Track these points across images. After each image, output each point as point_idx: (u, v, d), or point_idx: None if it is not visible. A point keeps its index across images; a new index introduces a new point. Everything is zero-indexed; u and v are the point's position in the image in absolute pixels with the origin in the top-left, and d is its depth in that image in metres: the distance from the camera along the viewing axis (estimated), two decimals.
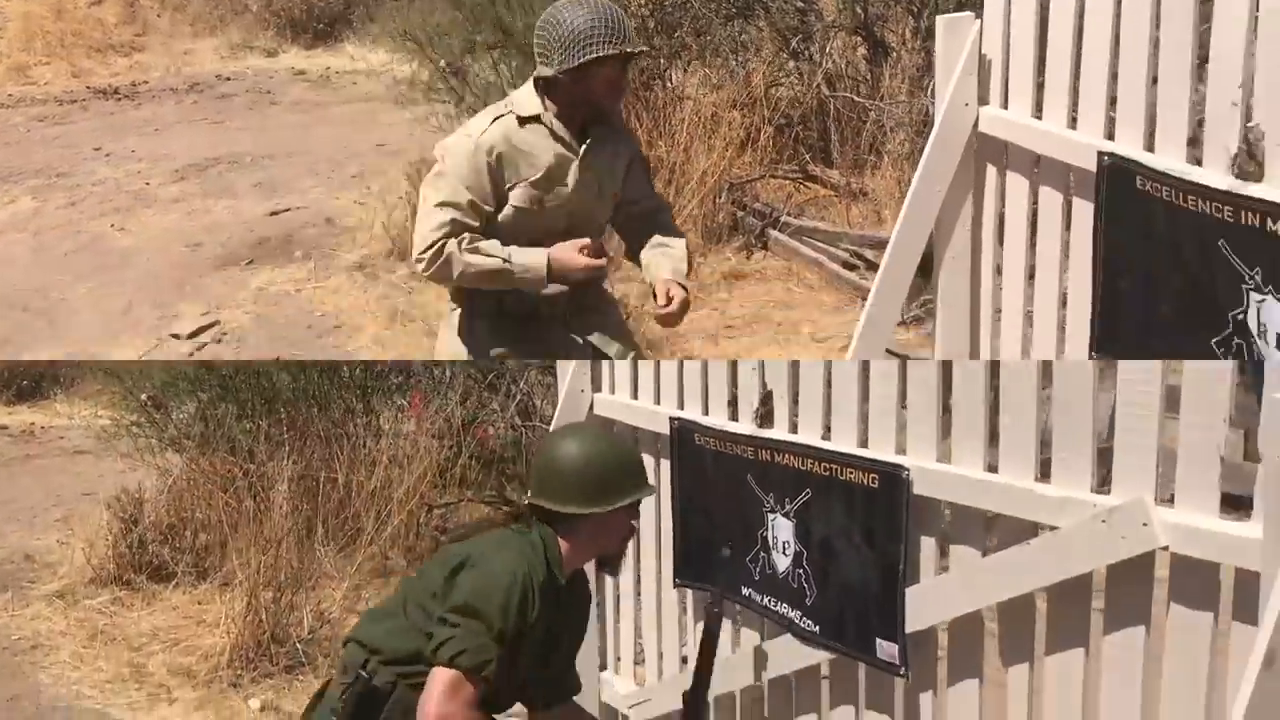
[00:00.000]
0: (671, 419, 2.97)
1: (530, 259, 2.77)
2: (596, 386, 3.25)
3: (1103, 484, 2.06)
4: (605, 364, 3.24)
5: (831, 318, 4.82)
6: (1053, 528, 2.10)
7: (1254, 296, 2.34)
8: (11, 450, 7.32)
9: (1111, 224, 2.66)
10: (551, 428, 3.31)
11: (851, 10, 5.75)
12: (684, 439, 2.94)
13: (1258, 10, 2.25)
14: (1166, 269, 2.46)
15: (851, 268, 5.17)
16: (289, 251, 5.71)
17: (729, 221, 5.47)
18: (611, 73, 2.77)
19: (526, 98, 2.84)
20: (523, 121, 2.82)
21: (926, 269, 3.20)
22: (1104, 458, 2.05)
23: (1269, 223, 2.26)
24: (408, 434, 5.21)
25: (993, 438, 2.24)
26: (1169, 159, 2.49)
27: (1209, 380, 1.86)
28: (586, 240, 2.79)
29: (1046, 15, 2.82)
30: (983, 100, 3.02)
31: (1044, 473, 2.15)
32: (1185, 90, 2.45)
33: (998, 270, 3.14)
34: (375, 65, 8.51)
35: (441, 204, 2.79)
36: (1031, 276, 2.98)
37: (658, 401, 3.07)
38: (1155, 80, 2.52)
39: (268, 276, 5.47)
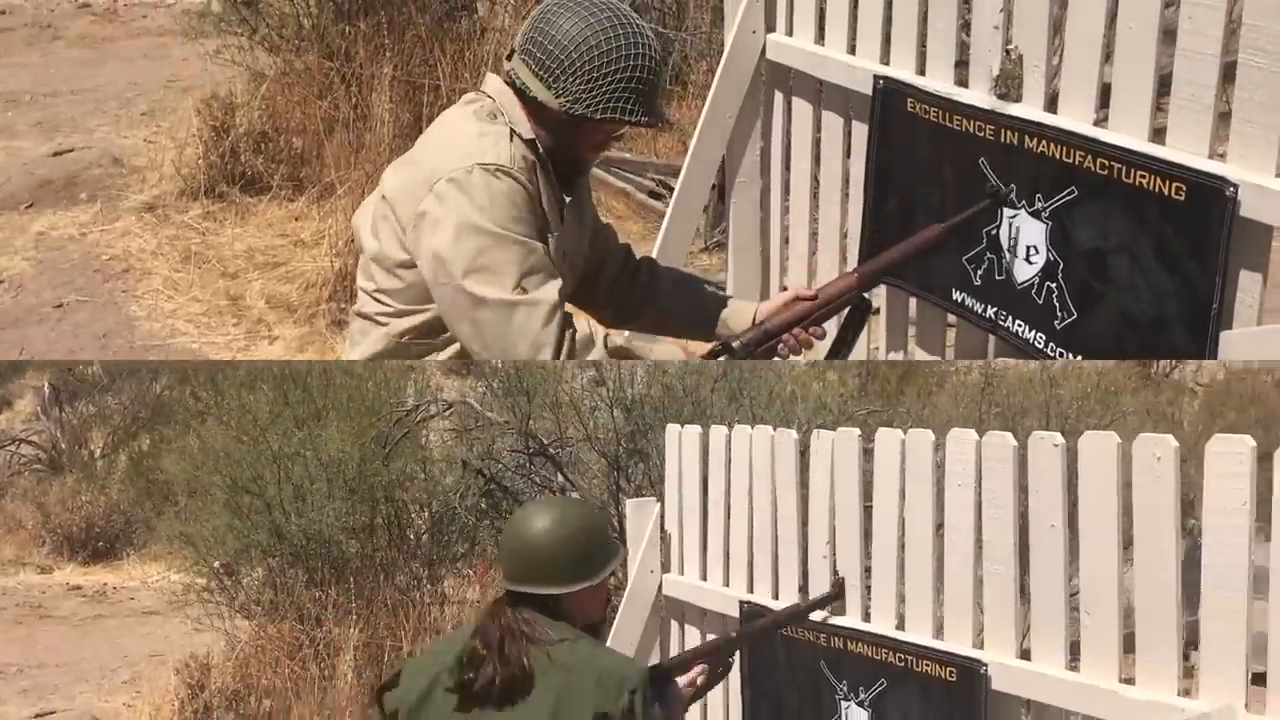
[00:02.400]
0: (741, 603, 2.94)
1: (669, 354, 2.43)
2: (666, 567, 3.25)
3: (1188, 650, 2.01)
4: (675, 544, 3.24)
5: (639, 246, 4.69)
6: None
7: (1007, 212, 2.42)
8: (84, 610, 7.40)
9: (883, 146, 2.76)
10: (621, 606, 3.30)
11: None
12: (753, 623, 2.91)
13: None
14: (928, 188, 2.54)
15: (658, 196, 5.16)
16: None
17: None
18: (614, 132, 2.20)
19: (514, 110, 2.14)
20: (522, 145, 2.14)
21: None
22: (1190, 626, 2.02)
23: (1025, 140, 2.38)
24: (472, 602, 5.20)
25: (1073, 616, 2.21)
26: (938, 81, 2.61)
27: None
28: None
29: None
30: (770, 28, 3.14)
31: (1128, 646, 2.11)
32: (952, 15, 2.58)
33: (785, 193, 3.27)
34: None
35: (523, 278, 2.03)
36: (817, 196, 3.13)
37: (727, 584, 3.05)
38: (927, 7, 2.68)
39: None
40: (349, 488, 5.37)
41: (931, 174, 2.59)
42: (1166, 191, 2.15)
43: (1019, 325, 2.52)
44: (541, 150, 2.15)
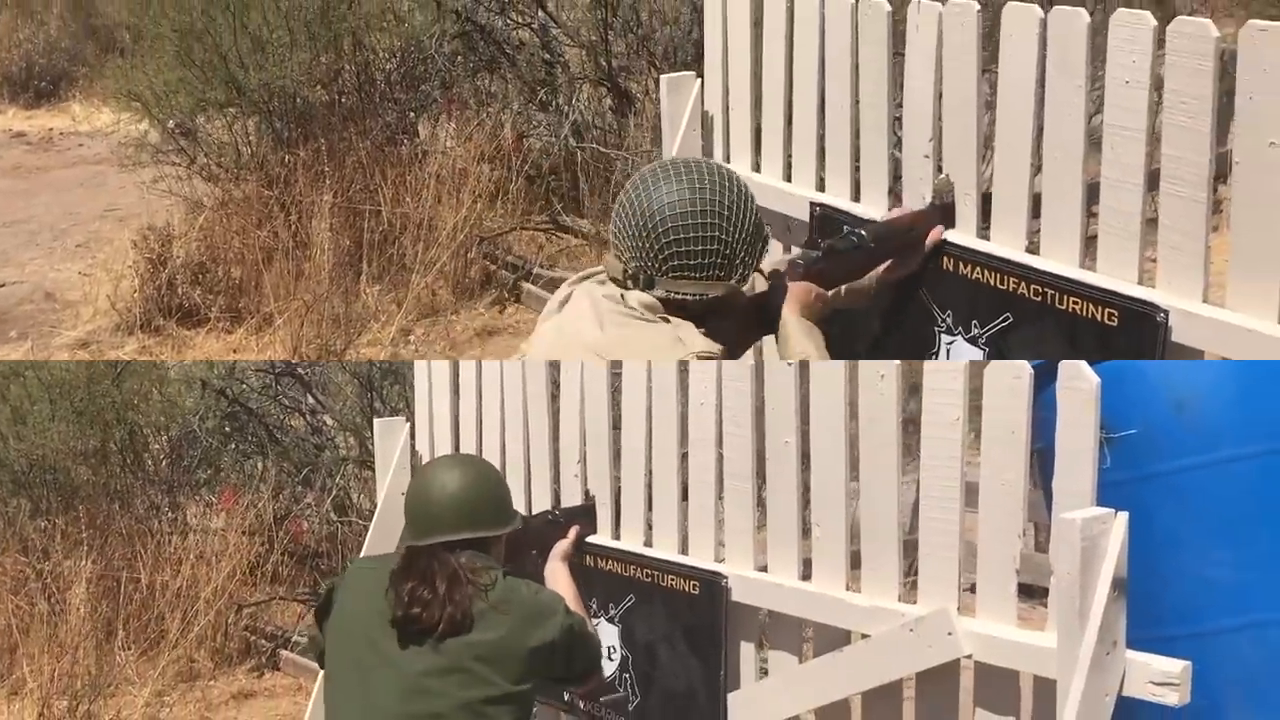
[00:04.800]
0: None
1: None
2: None
3: (909, 572, 2.15)
4: (428, 455, 3.20)
5: None
6: (864, 635, 2.18)
7: (944, 339, 2.47)
8: None
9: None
10: (370, 531, 3.24)
11: (595, 62, 5.78)
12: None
13: (941, 74, 2.45)
14: (868, 313, 2.57)
15: None
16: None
17: (481, 276, 5.38)
18: None
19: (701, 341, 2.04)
20: None
21: None
22: (910, 547, 2.15)
23: (960, 267, 2.41)
24: (216, 530, 5.00)
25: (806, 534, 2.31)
26: (872, 208, 2.66)
27: (1005, 499, 1.97)
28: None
29: (760, 73, 2.99)
30: (707, 155, 3.16)
31: (855, 563, 2.24)
32: (883, 145, 2.63)
33: None
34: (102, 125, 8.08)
35: None
36: None
37: None
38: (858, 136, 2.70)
39: None
40: (76, 409, 5.04)
41: (872, 300, 2.52)
42: (1099, 317, 2.18)
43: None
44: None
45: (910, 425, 2.15)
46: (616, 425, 2.70)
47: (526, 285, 5.36)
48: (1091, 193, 2.25)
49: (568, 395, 2.77)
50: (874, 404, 2.14)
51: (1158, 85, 2.10)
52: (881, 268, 2.37)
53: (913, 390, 2.17)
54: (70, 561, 4.75)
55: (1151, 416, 2.22)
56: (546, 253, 5.62)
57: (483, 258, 5.42)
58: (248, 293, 5.19)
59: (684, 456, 2.55)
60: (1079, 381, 1.84)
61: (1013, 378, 1.93)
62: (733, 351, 2.13)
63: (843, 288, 2.30)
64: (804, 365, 2.26)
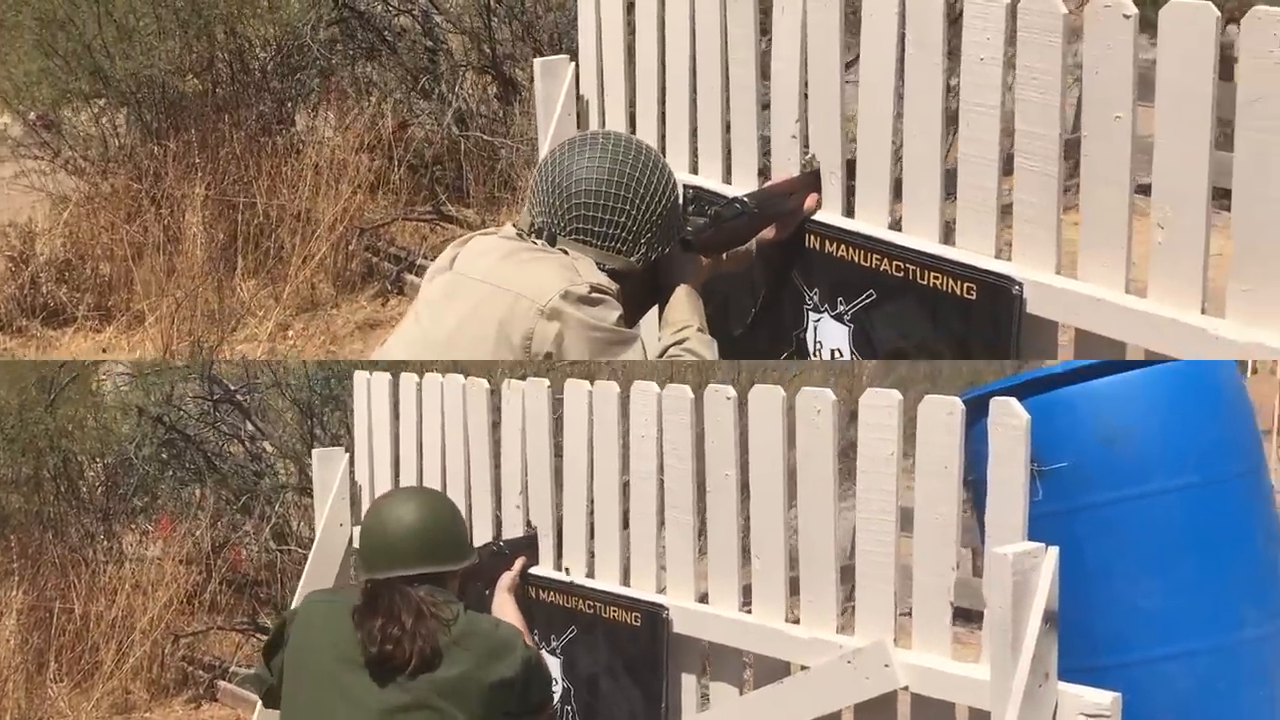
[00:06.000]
0: None
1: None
2: (356, 519, 3.18)
3: (849, 597, 2.17)
4: (366, 496, 3.17)
5: None
6: (804, 667, 2.19)
7: (812, 316, 2.50)
8: None
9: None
10: (309, 561, 3.20)
11: (479, 49, 5.71)
12: None
13: (806, 55, 2.47)
14: (740, 292, 2.60)
15: None
16: None
17: (362, 269, 5.27)
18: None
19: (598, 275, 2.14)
20: None
21: None
22: (847, 574, 2.17)
23: (826, 245, 2.45)
24: (153, 559, 4.92)
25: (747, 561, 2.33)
26: (743, 190, 2.63)
27: (939, 532, 2.00)
28: None
29: (634, 58, 2.98)
30: None
31: (794, 589, 2.25)
32: (752, 126, 2.64)
33: None
34: None
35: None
36: None
37: None
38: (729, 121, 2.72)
39: None
40: (7, 436, 4.94)
41: (742, 277, 2.57)
42: (959, 291, 2.20)
43: None
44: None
45: (850, 450, 2.17)
46: (559, 453, 2.70)
47: (410, 277, 5.21)
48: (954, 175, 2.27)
49: (509, 423, 2.77)
50: (810, 439, 2.16)
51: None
52: (762, 232, 2.43)
53: (852, 416, 2.20)
54: (0, 592, 4.65)
55: (1081, 449, 2.26)
56: (430, 243, 5.48)
57: (364, 250, 5.30)
58: (117, 290, 5.04)
59: (625, 485, 2.56)
60: (1010, 418, 1.87)
61: (946, 414, 1.96)
62: (627, 319, 2.17)
63: (724, 254, 2.37)
64: (743, 400, 2.28)
